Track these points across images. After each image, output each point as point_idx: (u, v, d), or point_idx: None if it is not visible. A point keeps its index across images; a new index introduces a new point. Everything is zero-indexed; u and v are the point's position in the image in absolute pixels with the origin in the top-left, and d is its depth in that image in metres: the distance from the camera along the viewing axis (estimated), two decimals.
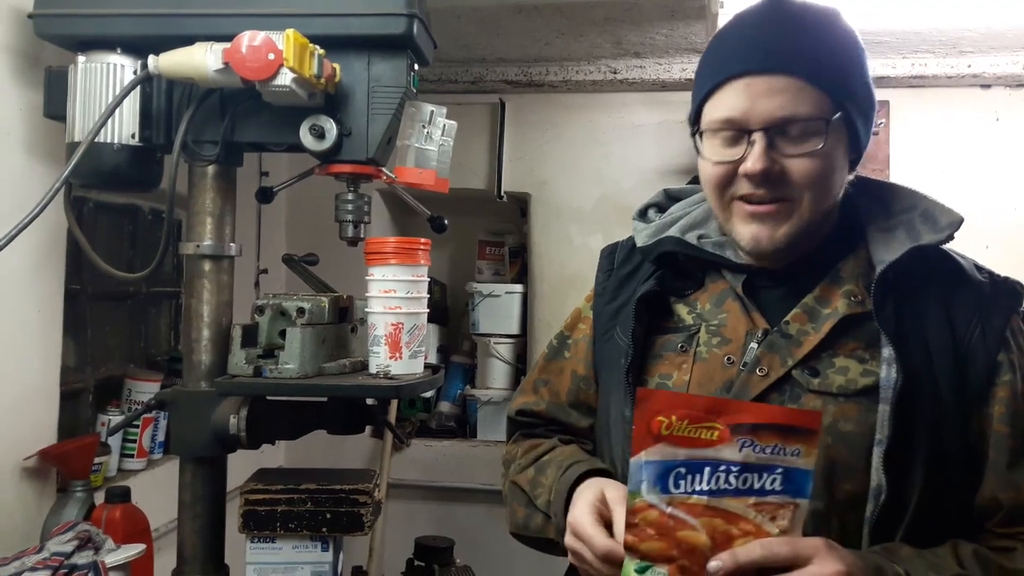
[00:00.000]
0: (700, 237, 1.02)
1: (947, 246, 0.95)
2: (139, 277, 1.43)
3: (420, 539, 2.09)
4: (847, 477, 0.86)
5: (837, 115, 0.87)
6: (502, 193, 2.74)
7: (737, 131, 0.90)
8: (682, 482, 0.75)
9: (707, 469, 0.75)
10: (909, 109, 2.59)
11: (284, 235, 2.83)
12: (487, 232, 3.13)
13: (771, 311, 0.96)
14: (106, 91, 1.38)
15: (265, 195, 1.61)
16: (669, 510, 0.75)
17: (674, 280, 1.05)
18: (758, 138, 0.88)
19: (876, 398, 0.85)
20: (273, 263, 2.62)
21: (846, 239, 0.96)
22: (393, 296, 1.39)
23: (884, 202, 0.97)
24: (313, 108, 1.36)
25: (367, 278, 1.45)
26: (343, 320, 1.48)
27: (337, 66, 1.34)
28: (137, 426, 1.99)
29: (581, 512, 0.88)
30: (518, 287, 2.91)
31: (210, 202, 1.43)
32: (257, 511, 1.38)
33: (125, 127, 1.39)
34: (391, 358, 1.38)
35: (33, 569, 1.34)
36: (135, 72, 1.38)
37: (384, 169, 1.43)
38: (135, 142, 1.40)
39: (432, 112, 1.40)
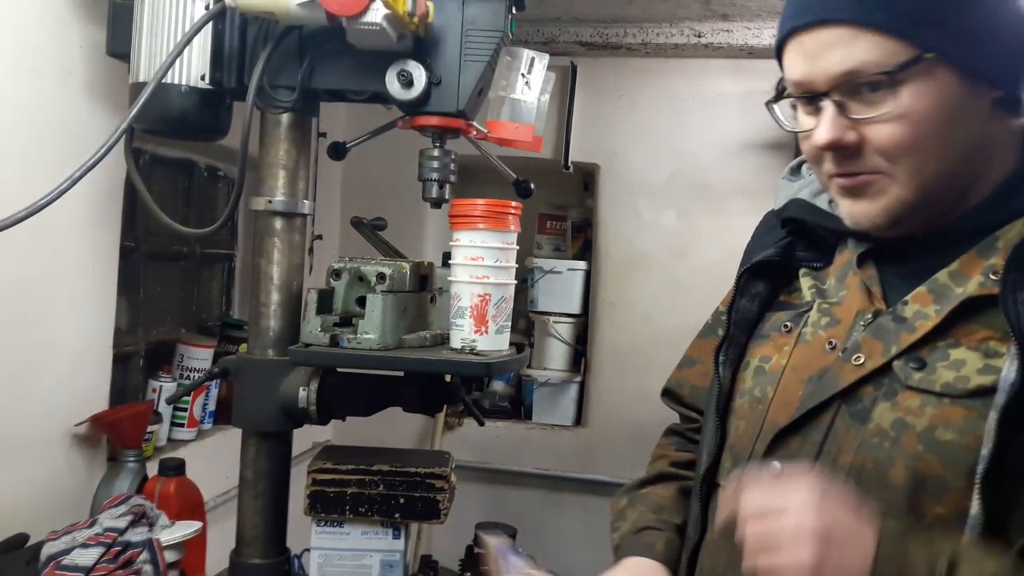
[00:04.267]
0: (832, 200, 0.86)
1: None
2: (205, 233, 1.31)
3: (482, 525, 1.97)
4: (940, 498, 0.71)
5: (915, 62, 0.69)
6: (569, 164, 2.59)
7: (808, 96, 0.77)
8: None
9: None
10: None
11: (339, 198, 2.70)
12: (549, 205, 2.99)
13: (896, 288, 0.80)
14: (175, 27, 1.25)
15: (338, 151, 1.48)
16: None
17: (805, 249, 0.91)
18: (826, 104, 0.74)
19: (991, 403, 0.69)
20: (328, 228, 2.50)
21: (1020, 197, 0.77)
22: (481, 264, 1.25)
23: None
24: (400, 53, 1.22)
25: (452, 244, 1.31)
26: (423, 288, 1.35)
27: (431, 4, 1.21)
28: (189, 395, 1.89)
29: None
30: (581, 264, 2.77)
31: (283, 154, 1.31)
32: (326, 492, 1.26)
33: (194, 68, 1.27)
34: (476, 332, 1.25)
35: (85, 545, 1.24)
36: (207, 7, 1.25)
37: (475, 123, 1.30)
38: (205, 84, 1.27)
39: (533, 59, 1.26)
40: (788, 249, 0.92)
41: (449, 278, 1.28)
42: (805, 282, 0.90)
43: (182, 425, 1.90)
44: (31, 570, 1.23)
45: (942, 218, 0.79)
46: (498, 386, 2.93)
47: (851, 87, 0.73)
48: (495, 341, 1.25)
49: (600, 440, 2.63)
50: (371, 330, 1.20)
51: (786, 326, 0.87)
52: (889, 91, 0.71)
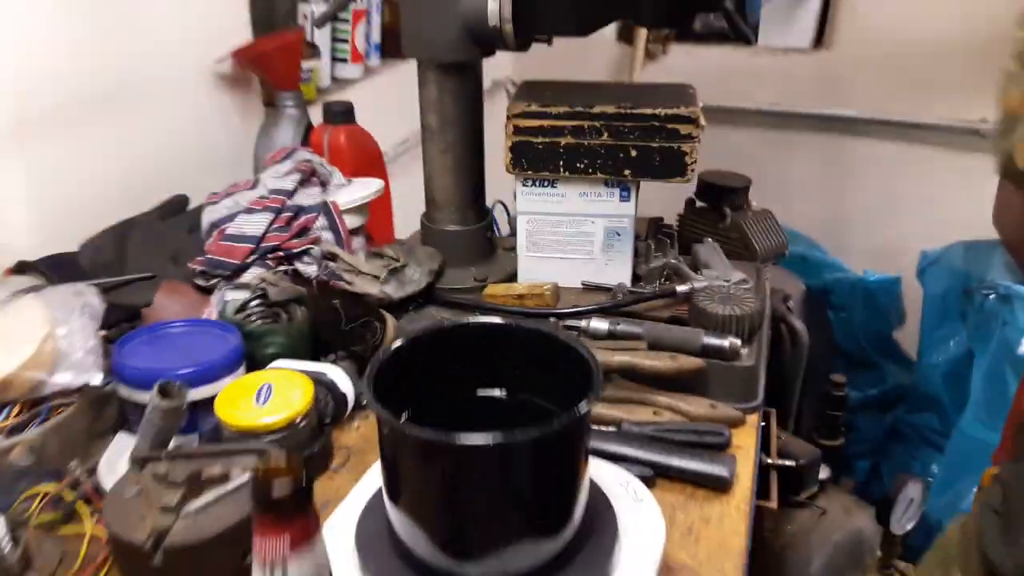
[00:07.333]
0: None
1: None
2: None
3: (706, 174, 1.62)
4: None
5: None
6: None
7: None
8: None
9: None
10: None
11: None
12: None
13: None
14: None
15: None
16: None
17: None
18: None
19: None
20: None
21: None
22: None
23: None
24: None
25: None
26: None
27: None
28: (347, 21, 1.55)
29: None
30: None
31: None
32: (532, 143, 0.93)
33: None
34: None
35: (250, 210, 1.01)
36: None
37: None
38: None
39: None
40: None
41: None
42: None
43: (345, 60, 1.59)
44: (195, 238, 1.03)
45: None
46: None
47: None
48: None
49: (847, 66, 2.09)
50: None
51: None
52: None
